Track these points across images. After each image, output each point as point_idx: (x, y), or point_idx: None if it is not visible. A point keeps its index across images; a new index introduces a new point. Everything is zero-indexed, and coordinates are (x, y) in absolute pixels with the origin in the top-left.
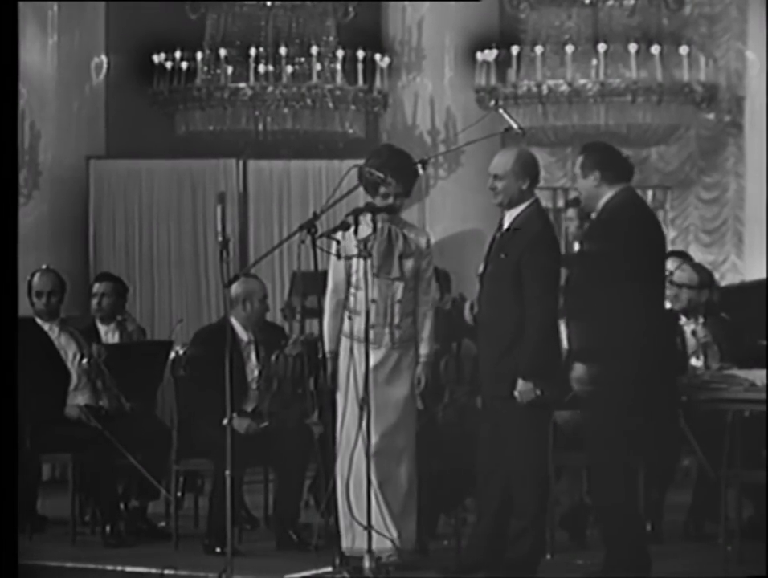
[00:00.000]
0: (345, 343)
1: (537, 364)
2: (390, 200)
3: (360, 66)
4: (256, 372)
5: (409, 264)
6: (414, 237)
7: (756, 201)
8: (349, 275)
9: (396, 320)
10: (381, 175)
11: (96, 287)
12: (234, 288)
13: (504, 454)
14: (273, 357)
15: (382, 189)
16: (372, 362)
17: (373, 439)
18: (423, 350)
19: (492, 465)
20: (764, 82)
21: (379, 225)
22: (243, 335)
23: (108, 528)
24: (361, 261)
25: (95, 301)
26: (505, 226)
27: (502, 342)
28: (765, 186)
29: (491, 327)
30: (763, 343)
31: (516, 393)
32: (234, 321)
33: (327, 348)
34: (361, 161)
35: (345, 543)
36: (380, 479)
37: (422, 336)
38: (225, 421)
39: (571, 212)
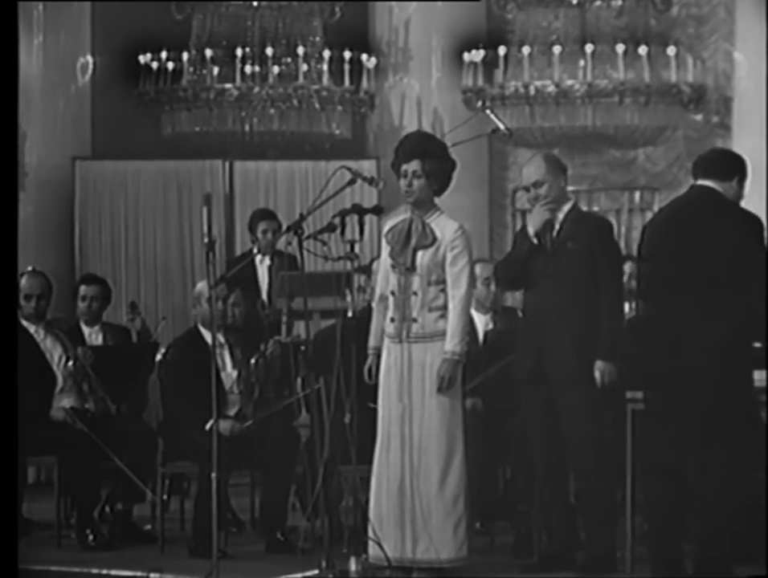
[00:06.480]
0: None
1: (616, 345)
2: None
3: (347, 66)
4: (234, 376)
5: (424, 256)
6: (438, 227)
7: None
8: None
9: (413, 314)
10: (371, 177)
11: (84, 290)
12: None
13: (567, 444)
14: (253, 361)
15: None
16: (392, 356)
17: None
18: (446, 346)
19: (550, 457)
20: (752, 83)
21: (405, 215)
22: (209, 338)
23: (89, 531)
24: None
25: (84, 304)
26: (557, 227)
27: (581, 326)
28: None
29: (566, 314)
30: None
31: (597, 374)
32: (200, 326)
33: (370, 343)
34: (347, 162)
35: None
36: (413, 480)
37: (448, 332)
38: (208, 426)
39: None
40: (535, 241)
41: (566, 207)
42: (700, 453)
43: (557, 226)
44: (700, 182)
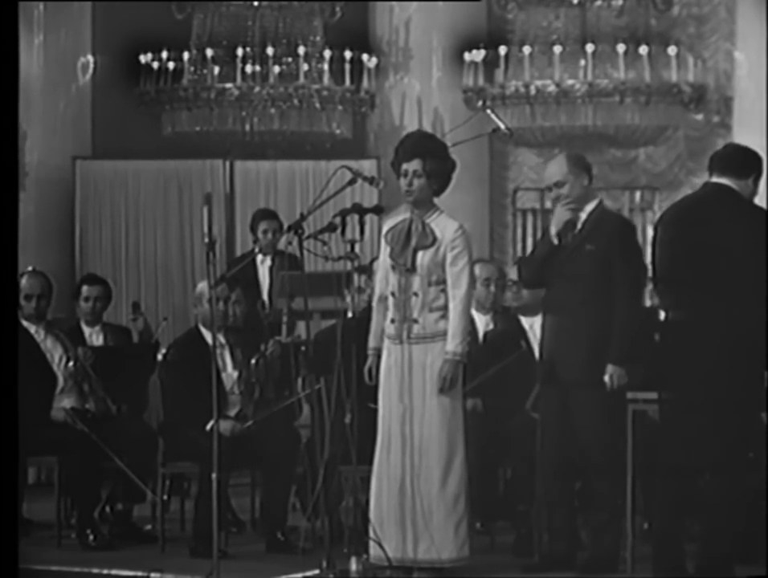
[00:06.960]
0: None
1: (628, 350)
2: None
3: (347, 66)
4: (235, 376)
5: (425, 256)
6: (438, 227)
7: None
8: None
9: (414, 314)
10: (371, 177)
11: (88, 291)
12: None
13: (577, 445)
14: (253, 361)
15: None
16: (392, 357)
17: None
18: (448, 347)
19: (560, 457)
20: (753, 82)
21: (405, 215)
22: (209, 338)
23: (89, 531)
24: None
25: (87, 305)
26: (579, 227)
27: (594, 329)
28: None
29: (580, 315)
30: None
31: (606, 378)
32: (200, 326)
33: (370, 344)
34: (348, 162)
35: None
36: (413, 480)
37: (449, 333)
38: (208, 426)
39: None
40: (555, 241)
41: (590, 207)
42: (711, 453)
43: (579, 226)
44: (715, 179)
